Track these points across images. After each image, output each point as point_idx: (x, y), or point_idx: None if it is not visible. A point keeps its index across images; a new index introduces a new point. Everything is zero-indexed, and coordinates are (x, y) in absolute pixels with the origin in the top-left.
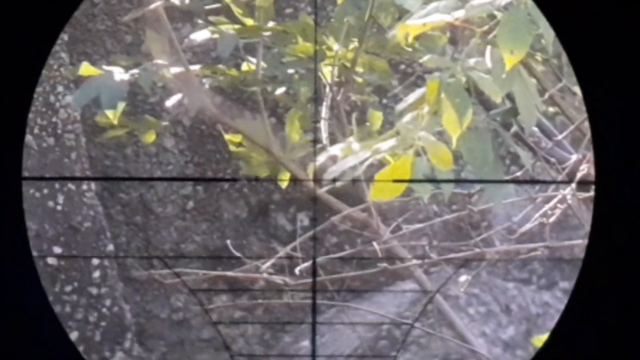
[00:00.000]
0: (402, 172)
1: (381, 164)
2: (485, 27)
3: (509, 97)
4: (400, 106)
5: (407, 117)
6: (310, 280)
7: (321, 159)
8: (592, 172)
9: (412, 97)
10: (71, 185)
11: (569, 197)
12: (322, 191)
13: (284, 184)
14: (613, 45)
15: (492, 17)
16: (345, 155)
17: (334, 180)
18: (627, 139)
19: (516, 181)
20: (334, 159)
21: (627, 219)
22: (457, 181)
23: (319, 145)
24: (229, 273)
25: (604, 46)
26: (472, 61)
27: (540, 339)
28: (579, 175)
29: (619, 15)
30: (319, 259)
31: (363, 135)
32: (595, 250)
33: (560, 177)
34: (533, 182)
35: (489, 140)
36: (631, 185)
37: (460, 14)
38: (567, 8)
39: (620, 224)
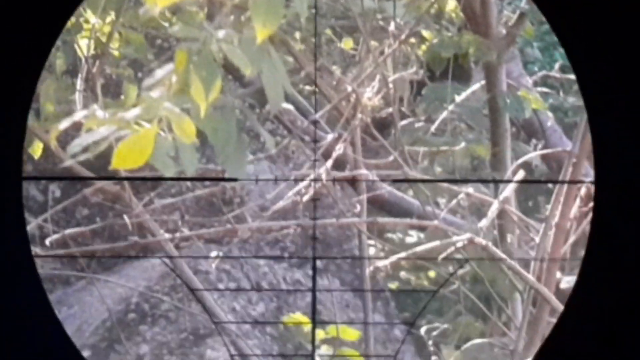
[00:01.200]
0: (145, 143)
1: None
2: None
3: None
4: (148, 81)
5: (157, 91)
6: None
7: (65, 124)
8: (349, 151)
9: (161, 72)
10: None
11: (323, 176)
12: (73, 162)
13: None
14: (612, 44)
15: None
16: (90, 127)
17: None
18: (626, 139)
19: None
20: (78, 125)
21: (627, 219)
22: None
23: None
24: None
25: (603, 46)
26: (222, 32)
27: (291, 317)
28: (334, 154)
29: (618, 13)
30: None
31: (117, 108)
32: (595, 249)
33: (315, 156)
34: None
35: (234, 120)
36: (631, 185)
37: None
38: (567, 6)
39: (620, 224)
